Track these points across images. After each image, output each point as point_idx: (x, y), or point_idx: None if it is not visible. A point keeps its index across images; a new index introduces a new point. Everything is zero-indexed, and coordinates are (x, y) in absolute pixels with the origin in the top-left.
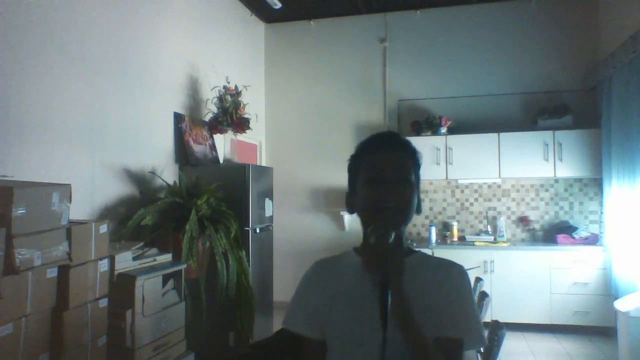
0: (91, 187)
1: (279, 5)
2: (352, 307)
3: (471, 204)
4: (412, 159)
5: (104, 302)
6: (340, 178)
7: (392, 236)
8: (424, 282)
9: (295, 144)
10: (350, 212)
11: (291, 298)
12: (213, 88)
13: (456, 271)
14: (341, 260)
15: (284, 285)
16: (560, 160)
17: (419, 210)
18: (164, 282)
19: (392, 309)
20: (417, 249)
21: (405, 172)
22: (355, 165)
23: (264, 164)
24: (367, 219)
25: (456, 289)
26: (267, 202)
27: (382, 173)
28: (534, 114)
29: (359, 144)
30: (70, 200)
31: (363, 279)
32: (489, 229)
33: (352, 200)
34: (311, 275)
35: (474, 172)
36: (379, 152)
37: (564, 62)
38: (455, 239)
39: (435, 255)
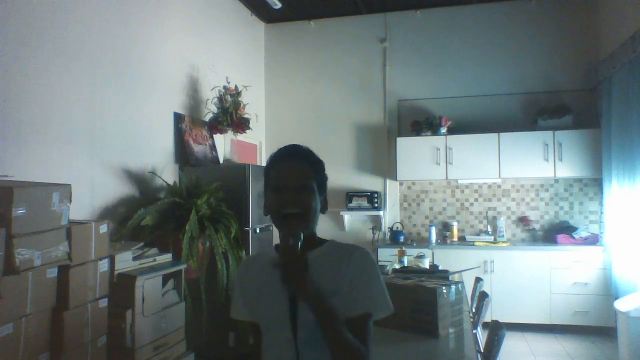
0: (91, 187)
1: (279, 5)
2: (269, 298)
3: (471, 204)
4: (313, 167)
5: (104, 302)
6: (340, 178)
7: (301, 238)
8: (331, 269)
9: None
10: (265, 214)
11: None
12: (213, 88)
13: (359, 253)
14: (263, 257)
15: None
16: (560, 160)
17: (324, 210)
18: (164, 282)
19: (300, 308)
20: (328, 239)
21: (304, 180)
22: (266, 174)
23: (264, 164)
24: (275, 223)
25: (359, 269)
26: None
27: (283, 181)
28: (534, 114)
29: (269, 156)
30: (70, 200)
31: (277, 275)
32: (489, 229)
33: (265, 205)
34: (239, 271)
35: (474, 172)
36: (282, 163)
37: (564, 62)
38: (455, 239)
39: (436, 255)
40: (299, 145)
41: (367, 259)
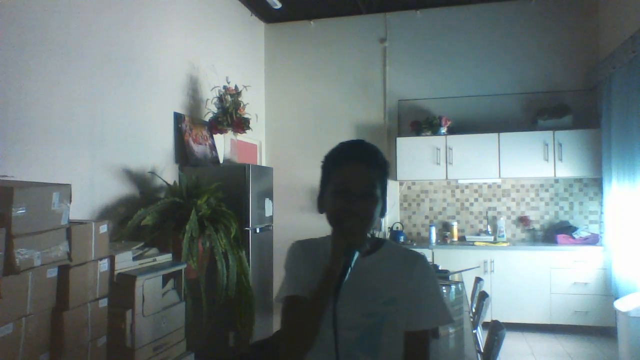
0: (91, 187)
1: (279, 5)
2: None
3: (471, 204)
4: (379, 171)
5: (104, 302)
6: None
7: (354, 257)
8: (389, 275)
9: (295, 144)
10: (320, 212)
11: (283, 277)
12: (213, 88)
13: (421, 264)
14: (319, 245)
15: None
16: (560, 160)
17: (383, 214)
18: (164, 282)
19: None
20: (384, 239)
21: (369, 187)
22: (326, 170)
23: (264, 164)
24: (333, 226)
25: (422, 281)
26: (267, 202)
27: (348, 187)
28: (534, 114)
29: (332, 151)
30: (70, 200)
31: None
32: (489, 229)
33: (322, 202)
34: (296, 252)
35: (474, 172)
36: (347, 165)
37: (564, 62)
38: (455, 239)
39: (436, 255)
40: (365, 143)
41: (429, 270)
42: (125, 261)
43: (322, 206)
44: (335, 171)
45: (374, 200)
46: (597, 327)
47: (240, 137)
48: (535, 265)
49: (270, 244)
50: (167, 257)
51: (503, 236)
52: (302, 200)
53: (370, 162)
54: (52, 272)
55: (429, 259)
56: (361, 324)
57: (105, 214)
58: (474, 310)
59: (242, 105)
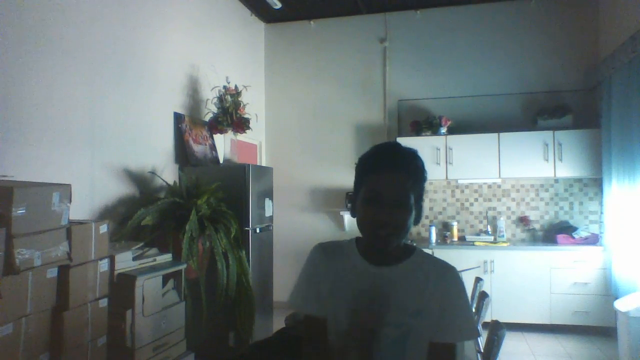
0: (91, 187)
1: (279, 5)
2: (347, 299)
3: (471, 204)
4: (414, 179)
5: (104, 302)
6: (340, 178)
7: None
8: (418, 285)
9: (295, 144)
10: (352, 216)
11: (297, 280)
12: (213, 88)
13: (451, 275)
14: (344, 249)
15: (284, 285)
16: (560, 160)
17: (418, 221)
18: (164, 282)
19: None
20: (414, 245)
21: (403, 197)
22: (359, 174)
23: (264, 164)
24: (363, 234)
25: (452, 294)
26: (267, 202)
27: (380, 195)
28: (534, 114)
29: (366, 154)
30: (70, 200)
31: (361, 275)
32: (489, 229)
33: (354, 207)
34: (317, 257)
35: (474, 172)
36: (382, 172)
37: (564, 62)
38: (455, 239)
39: (436, 255)
40: (401, 147)
41: (459, 282)
42: (125, 261)
43: (354, 210)
44: (369, 177)
45: (407, 210)
46: (597, 327)
47: (240, 137)
48: (535, 265)
49: (270, 244)
50: (167, 257)
51: (503, 236)
52: (302, 200)
53: (406, 170)
54: (52, 272)
55: None
56: (387, 335)
57: (105, 214)
58: (474, 310)
59: (242, 105)
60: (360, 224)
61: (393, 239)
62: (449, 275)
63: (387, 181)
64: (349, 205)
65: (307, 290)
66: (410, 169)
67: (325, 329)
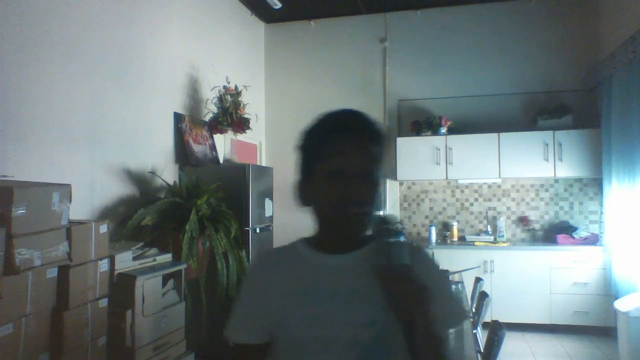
0: (91, 187)
1: (279, 5)
2: (304, 303)
3: (471, 204)
4: (378, 144)
5: (104, 302)
6: None
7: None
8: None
9: (295, 144)
10: (304, 204)
11: (235, 303)
12: (213, 88)
13: (423, 255)
14: (289, 251)
15: None
16: (560, 160)
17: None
18: (164, 282)
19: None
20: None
21: (373, 167)
22: (309, 151)
23: (264, 164)
24: (325, 219)
25: (426, 277)
26: (267, 202)
27: (346, 169)
28: (534, 114)
29: (314, 125)
30: (70, 200)
31: (316, 270)
32: (489, 229)
33: (306, 192)
34: (255, 271)
35: (474, 172)
36: (343, 139)
37: (564, 62)
38: (455, 239)
39: (436, 255)
40: (356, 111)
41: (432, 263)
42: (125, 261)
43: (307, 197)
44: (324, 150)
45: (377, 181)
46: (597, 327)
47: (240, 137)
48: (535, 265)
49: (270, 244)
50: (167, 257)
51: (503, 236)
52: None
53: (368, 133)
54: (52, 272)
55: None
56: (358, 340)
57: (105, 214)
58: (474, 310)
59: (242, 105)
60: (319, 211)
61: (366, 219)
62: (419, 255)
63: (350, 149)
64: (298, 193)
65: (243, 317)
66: (372, 131)
67: (265, 353)
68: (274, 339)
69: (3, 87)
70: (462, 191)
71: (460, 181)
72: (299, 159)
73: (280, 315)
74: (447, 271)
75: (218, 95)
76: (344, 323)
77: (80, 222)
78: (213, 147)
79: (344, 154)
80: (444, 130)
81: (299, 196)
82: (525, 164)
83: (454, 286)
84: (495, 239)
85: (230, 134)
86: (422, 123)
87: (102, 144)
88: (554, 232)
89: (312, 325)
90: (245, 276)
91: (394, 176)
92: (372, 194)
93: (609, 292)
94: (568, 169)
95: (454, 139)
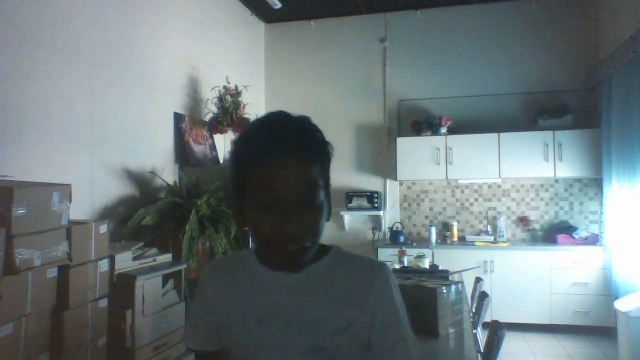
0: (91, 187)
1: (279, 5)
2: (247, 323)
3: (471, 204)
4: (319, 160)
5: (104, 302)
6: (340, 178)
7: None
8: (342, 292)
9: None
10: (242, 226)
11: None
12: (213, 88)
13: (382, 277)
14: (240, 260)
15: None
16: (560, 160)
17: (328, 218)
18: (164, 282)
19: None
20: (330, 245)
21: (313, 192)
22: (241, 166)
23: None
24: (266, 251)
25: (385, 301)
26: None
27: (282, 197)
28: (534, 114)
29: (244, 138)
30: (70, 200)
31: (261, 287)
32: (489, 229)
33: (243, 215)
34: (206, 279)
35: (474, 172)
36: (276, 162)
37: (564, 62)
38: (455, 239)
39: (436, 255)
40: (292, 117)
41: (393, 285)
42: (125, 261)
43: (243, 221)
44: (255, 171)
45: (320, 207)
46: (597, 327)
47: None
48: (535, 265)
49: None
50: (167, 257)
51: (503, 236)
52: None
53: (307, 150)
54: (52, 272)
55: (429, 259)
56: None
57: (105, 214)
58: (474, 310)
59: (242, 105)
60: (257, 239)
61: (307, 252)
62: (380, 277)
63: (286, 172)
64: (233, 211)
65: (199, 324)
66: (313, 147)
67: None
68: (227, 345)
69: (3, 87)
70: (462, 191)
71: (460, 181)
72: (232, 174)
73: (225, 332)
74: (447, 271)
75: (218, 95)
76: (287, 349)
77: (80, 222)
78: (213, 147)
79: (277, 181)
80: (444, 130)
81: (235, 218)
82: (525, 164)
83: (453, 286)
84: (495, 239)
85: (230, 134)
86: (422, 123)
87: (102, 144)
88: (554, 232)
89: (255, 348)
90: (198, 284)
91: (394, 176)
92: (312, 225)
93: (609, 292)
94: (568, 169)
95: (454, 139)
